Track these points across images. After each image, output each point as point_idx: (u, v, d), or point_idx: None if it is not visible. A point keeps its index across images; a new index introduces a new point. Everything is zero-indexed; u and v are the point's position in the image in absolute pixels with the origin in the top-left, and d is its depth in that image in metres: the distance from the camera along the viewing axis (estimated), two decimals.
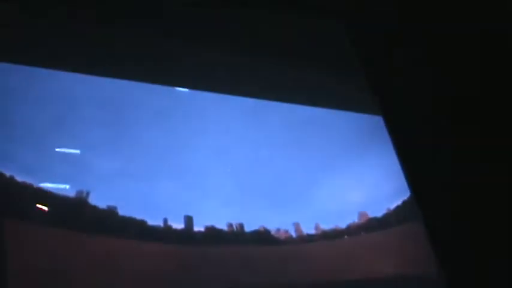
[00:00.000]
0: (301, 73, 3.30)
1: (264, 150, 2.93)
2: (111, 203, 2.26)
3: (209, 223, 2.47)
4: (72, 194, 2.18)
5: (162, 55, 2.87)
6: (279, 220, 2.70)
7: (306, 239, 2.75)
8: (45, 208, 2.06)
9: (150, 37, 2.90)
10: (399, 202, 3.15)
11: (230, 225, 2.54)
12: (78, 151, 2.32)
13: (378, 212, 3.09)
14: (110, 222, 2.21)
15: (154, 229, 2.28)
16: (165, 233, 2.30)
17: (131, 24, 2.81)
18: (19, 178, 2.03)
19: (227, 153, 2.74)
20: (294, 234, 2.72)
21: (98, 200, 2.24)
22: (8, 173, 1.99)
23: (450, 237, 3.01)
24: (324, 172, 3.13)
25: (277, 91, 3.17)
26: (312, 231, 2.81)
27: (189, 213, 2.40)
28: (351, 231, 2.94)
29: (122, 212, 2.26)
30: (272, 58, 3.33)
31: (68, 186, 2.22)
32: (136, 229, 2.23)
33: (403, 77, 3.52)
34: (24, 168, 2.09)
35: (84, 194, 2.24)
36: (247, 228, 2.58)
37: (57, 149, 2.21)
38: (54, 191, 2.12)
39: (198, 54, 2.97)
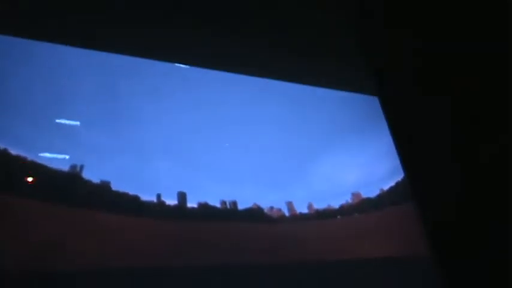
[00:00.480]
0: (301, 54, 3.28)
1: (260, 129, 2.93)
2: (105, 178, 2.26)
3: (203, 200, 2.47)
4: (66, 167, 2.17)
5: (165, 31, 2.85)
6: (272, 198, 2.70)
7: (298, 218, 2.76)
8: (39, 181, 2.06)
9: (152, 13, 2.87)
10: (392, 183, 3.16)
11: (223, 202, 2.55)
12: (76, 123, 2.32)
13: (372, 192, 3.10)
14: (103, 197, 2.20)
15: (147, 204, 2.27)
16: (158, 209, 2.30)
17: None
18: (13, 151, 2.02)
19: (224, 131, 2.73)
20: (287, 213, 2.72)
21: (92, 174, 2.23)
22: (2, 146, 1.97)
23: (441, 218, 3.03)
24: (318, 152, 3.13)
25: (277, 70, 3.15)
26: (305, 211, 2.82)
27: (183, 190, 2.40)
28: (344, 211, 2.95)
29: (115, 186, 2.26)
30: (274, 39, 3.31)
31: (67, 157, 2.22)
32: (129, 204, 2.23)
33: (399, 58, 3.51)
34: (20, 141, 2.09)
35: (78, 168, 2.23)
36: (241, 206, 2.59)
37: (54, 122, 2.21)
38: (48, 165, 2.11)
39: (200, 32, 2.95)
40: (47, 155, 2.15)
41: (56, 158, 2.20)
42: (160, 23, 2.75)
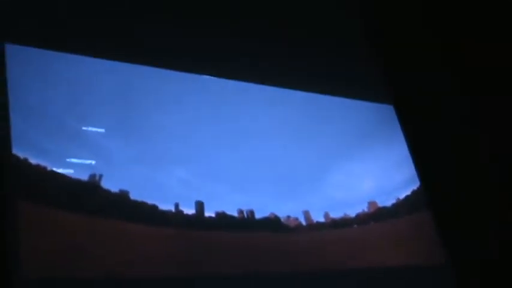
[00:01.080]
0: (314, 61, 3.30)
1: (276, 137, 2.95)
2: (124, 187, 2.29)
3: (220, 209, 2.49)
4: (85, 177, 2.21)
5: (181, 40, 2.88)
6: (289, 208, 2.71)
7: (315, 227, 2.77)
8: (58, 190, 2.09)
9: (165, 23, 2.91)
10: (409, 192, 3.15)
11: (241, 211, 2.56)
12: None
13: (388, 201, 3.10)
14: (122, 206, 2.23)
15: (165, 214, 2.30)
16: (176, 218, 2.32)
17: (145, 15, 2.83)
18: (33, 160, 2.06)
19: (239, 140, 2.75)
20: (303, 222, 2.74)
21: (111, 183, 2.27)
22: (22, 155, 2.01)
23: (459, 227, 3.01)
24: (334, 161, 3.14)
25: (293, 79, 3.17)
26: (322, 220, 2.83)
27: (200, 199, 2.43)
28: (360, 220, 2.95)
29: (133, 196, 2.29)
30: (288, 46, 3.33)
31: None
32: (148, 213, 2.26)
33: (415, 68, 3.51)
34: (39, 151, 2.12)
35: (97, 178, 2.26)
36: (258, 215, 2.60)
37: (73, 131, 2.24)
38: (68, 174, 2.14)
39: (216, 41, 2.98)
40: (74, 160, 2.16)
41: (81, 164, 2.21)
42: (165, 30, 2.78)
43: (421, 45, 3.40)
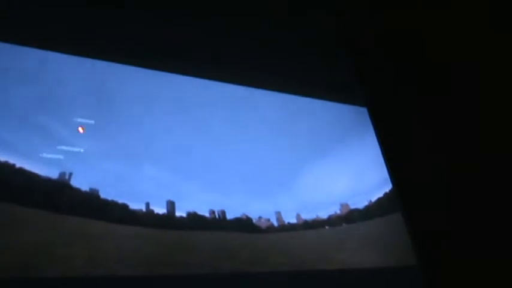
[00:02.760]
0: (289, 63, 3.31)
1: (248, 137, 2.94)
2: (94, 185, 2.26)
3: (191, 209, 2.48)
4: (54, 175, 2.18)
5: (152, 37, 2.86)
6: (260, 208, 2.71)
7: (287, 228, 2.77)
8: (26, 187, 2.06)
9: (139, 19, 2.89)
10: (381, 194, 3.18)
11: (212, 211, 2.55)
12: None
13: (360, 203, 3.12)
14: (92, 205, 2.20)
15: (136, 213, 2.28)
16: (147, 217, 2.30)
17: (121, 6, 2.80)
18: (1, 157, 2.02)
19: (212, 139, 2.74)
20: (275, 223, 2.73)
21: (81, 182, 2.24)
22: None
23: (429, 228, 3.05)
24: (307, 162, 3.15)
25: (267, 79, 3.17)
26: (293, 221, 2.84)
27: (172, 198, 2.41)
28: (332, 221, 2.96)
29: (103, 194, 2.26)
30: (265, 48, 3.34)
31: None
32: (118, 212, 2.23)
33: (388, 71, 3.55)
34: (6, 148, 2.08)
35: (67, 176, 2.23)
36: (229, 216, 2.59)
37: (42, 127, 2.20)
38: (37, 171, 2.11)
39: (190, 40, 2.97)
40: (44, 156, 2.12)
41: (50, 161, 2.15)
42: (149, 28, 2.77)
43: (393, 49, 3.43)
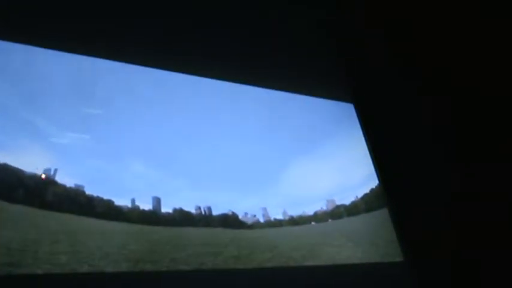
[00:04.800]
0: (275, 60, 3.30)
1: (234, 133, 2.94)
2: (79, 182, 2.25)
3: (177, 205, 2.47)
4: (39, 171, 2.16)
5: (138, 34, 2.84)
6: (247, 204, 2.71)
7: (273, 224, 2.77)
8: (9, 184, 2.04)
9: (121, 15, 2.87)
10: (367, 190, 3.19)
11: (198, 207, 2.55)
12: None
13: (346, 199, 3.13)
14: (77, 201, 2.19)
15: (121, 209, 2.27)
16: (132, 214, 2.30)
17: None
18: None
19: (198, 136, 2.73)
20: (261, 219, 2.74)
21: (66, 178, 2.23)
22: None
23: (415, 224, 3.06)
24: (293, 159, 3.15)
25: (252, 76, 3.17)
26: (280, 217, 2.84)
27: (157, 195, 2.40)
28: (318, 217, 2.97)
29: (89, 191, 2.25)
30: (252, 45, 3.33)
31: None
32: (103, 208, 2.23)
33: (375, 67, 3.56)
34: None
35: (52, 172, 2.22)
36: (215, 212, 2.59)
37: (25, 124, 2.19)
38: (21, 168, 2.09)
39: (174, 37, 2.96)
40: (28, 153, 2.08)
41: (35, 157, 2.13)
42: (135, 27, 2.75)
43: (380, 47, 3.44)
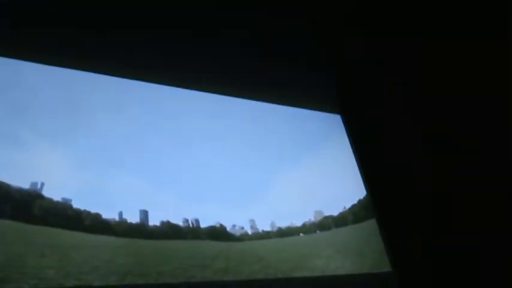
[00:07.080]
0: (261, 70, 3.31)
1: (222, 145, 2.95)
2: (66, 196, 2.24)
3: (165, 218, 2.47)
4: (26, 185, 2.16)
5: (124, 46, 2.85)
6: (234, 216, 2.71)
7: (261, 236, 2.77)
8: None
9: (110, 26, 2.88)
10: (355, 201, 3.20)
11: (186, 220, 2.55)
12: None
13: (334, 210, 3.14)
14: (64, 215, 2.18)
15: (108, 222, 2.27)
16: (119, 227, 2.29)
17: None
18: None
19: (185, 149, 2.74)
20: (249, 231, 2.74)
21: (53, 191, 2.22)
22: None
23: (404, 236, 3.08)
24: (280, 169, 3.16)
25: (241, 88, 3.18)
26: (268, 229, 2.84)
27: (145, 208, 2.40)
28: (306, 229, 2.98)
29: (76, 204, 2.24)
30: (238, 55, 3.34)
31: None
32: (91, 222, 2.22)
33: (363, 78, 3.58)
34: None
35: (39, 186, 2.21)
36: (203, 224, 2.59)
37: (10, 137, 2.18)
38: (6, 182, 2.09)
39: (156, 46, 2.96)
40: (14, 166, 2.07)
41: (21, 170, 2.10)
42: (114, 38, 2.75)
43: (368, 56, 3.46)
